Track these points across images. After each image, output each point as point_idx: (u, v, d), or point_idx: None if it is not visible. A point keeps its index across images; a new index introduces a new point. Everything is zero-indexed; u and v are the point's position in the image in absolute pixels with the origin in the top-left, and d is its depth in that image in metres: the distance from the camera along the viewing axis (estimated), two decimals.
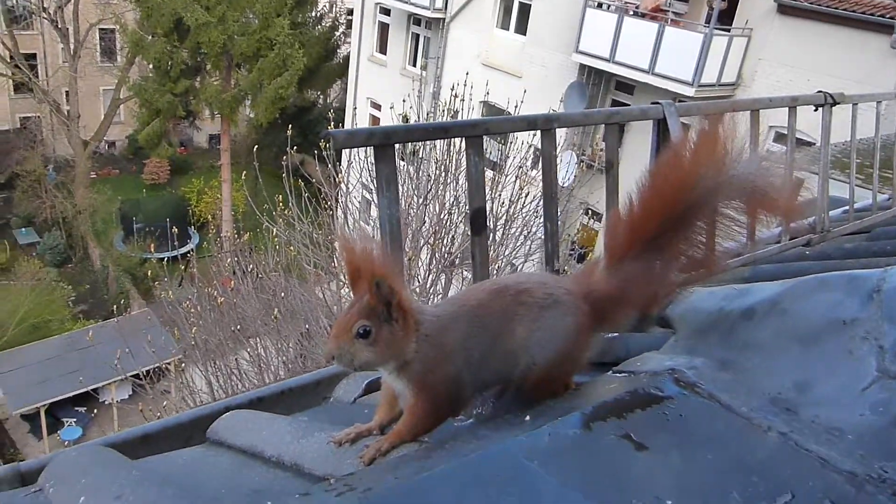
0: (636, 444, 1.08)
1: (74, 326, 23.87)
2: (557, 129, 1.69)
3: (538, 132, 1.62)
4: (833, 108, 2.80)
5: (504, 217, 11.15)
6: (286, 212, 11.11)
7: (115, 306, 20.23)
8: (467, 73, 13.48)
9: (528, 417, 1.16)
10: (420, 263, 10.92)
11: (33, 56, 32.38)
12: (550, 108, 13.64)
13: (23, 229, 29.91)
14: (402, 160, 11.90)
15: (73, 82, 29.64)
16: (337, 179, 11.52)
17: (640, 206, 1.48)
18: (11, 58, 29.25)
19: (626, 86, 17.57)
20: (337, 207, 11.62)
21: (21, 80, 30.03)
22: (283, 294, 10.78)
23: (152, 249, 17.08)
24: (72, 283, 27.19)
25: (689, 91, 14.98)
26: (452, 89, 12.87)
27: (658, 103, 1.78)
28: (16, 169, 29.54)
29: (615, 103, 18.05)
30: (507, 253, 11.10)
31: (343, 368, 1.36)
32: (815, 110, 2.79)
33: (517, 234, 11.43)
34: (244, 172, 13.63)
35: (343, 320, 1.31)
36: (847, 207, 3.30)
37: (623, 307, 1.50)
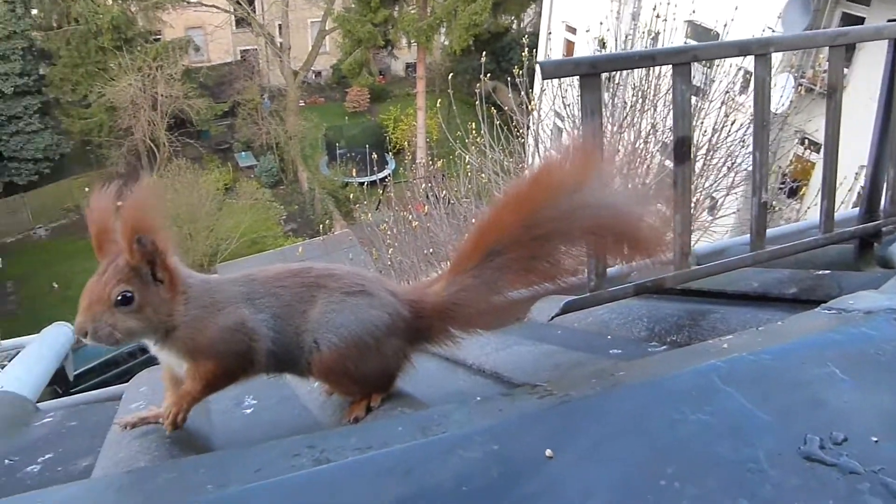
0: (841, 380, 1.07)
1: (286, 242, 26.28)
2: (774, 53, 1.60)
3: (751, 57, 1.55)
4: None
5: (706, 146, 10.48)
6: (478, 139, 11.23)
7: (320, 226, 21.90)
8: None
9: (725, 345, 1.17)
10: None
11: None
12: (766, 27, 12.43)
13: (243, 153, 32.94)
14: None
15: (285, 15, 31.59)
16: (529, 107, 11.45)
17: (491, 218, 1.32)
18: None
19: None
20: (528, 135, 11.59)
21: (241, 15, 32.49)
22: (473, 220, 11.02)
23: (353, 173, 18.19)
24: (283, 204, 29.82)
25: None
26: (654, 9, 12.13)
27: None
28: (237, 98, 32.30)
29: (847, 18, 15.89)
30: (706, 185, 10.52)
31: (98, 345, 1.16)
32: None
33: (720, 164, 10.74)
34: (438, 100, 13.92)
35: (96, 287, 1.12)
36: None
37: (450, 323, 1.34)
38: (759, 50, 1.53)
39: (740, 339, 1.19)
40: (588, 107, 1.37)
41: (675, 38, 13.27)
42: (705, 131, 10.78)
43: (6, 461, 1.44)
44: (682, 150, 1.49)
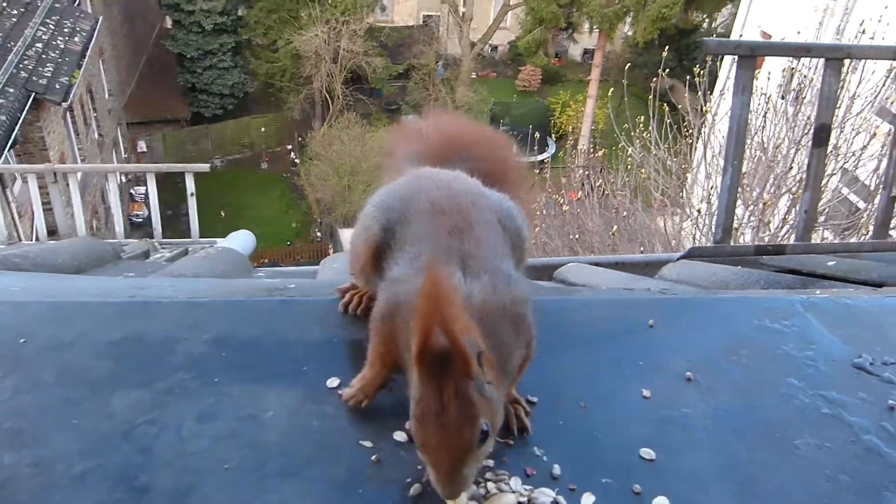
0: None
1: None
2: None
3: None
4: None
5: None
6: (645, 134, 11.07)
7: None
8: (886, 7, 11.63)
9: (818, 291, 1.41)
10: (776, 211, 10.22)
11: None
12: None
13: (410, 115, 34.12)
14: (783, 98, 11.00)
15: None
16: (704, 109, 11.15)
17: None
18: None
19: None
20: (698, 139, 11.25)
21: None
22: (625, 214, 10.93)
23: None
24: None
25: None
26: (861, 24, 11.30)
27: None
28: (413, 61, 33.39)
29: None
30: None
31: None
32: None
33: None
34: (611, 90, 13.85)
35: (449, 437, 0.87)
36: None
37: None
38: None
39: (831, 290, 1.42)
40: (741, 84, 1.62)
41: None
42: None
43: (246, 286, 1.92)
44: (821, 135, 1.69)
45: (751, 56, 1.60)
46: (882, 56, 1.75)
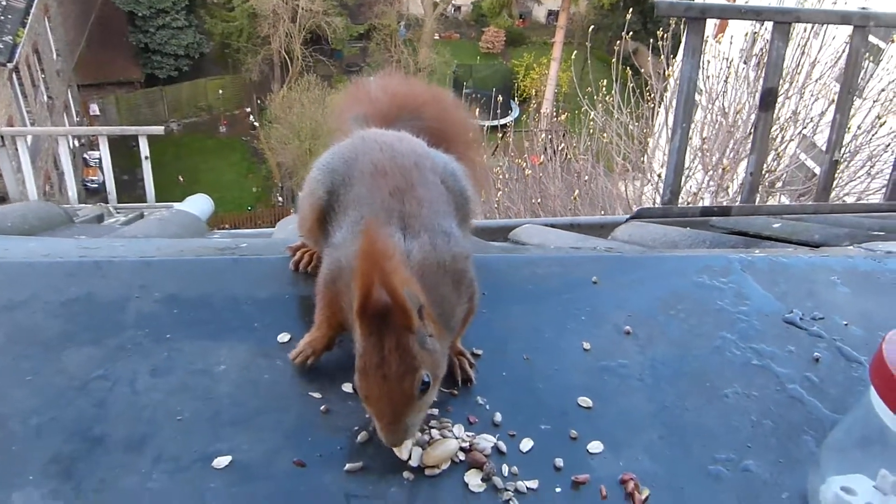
0: (840, 287, 1.36)
1: None
2: (873, 29, 1.80)
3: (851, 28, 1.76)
4: None
5: (848, 148, 9.73)
6: (607, 98, 11.07)
7: None
8: None
9: (757, 251, 1.46)
10: (735, 176, 10.36)
11: None
12: None
13: (372, 78, 33.63)
14: (745, 62, 11.10)
15: None
16: (666, 73, 11.16)
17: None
18: None
19: None
20: (660, 103, 11.28)
21: None
22: (586, 178, 10.96)
23: (476, 114, 18.41)
24: None
25: None
26: None
27: None
28: (374, 21, 32.84)
29: None
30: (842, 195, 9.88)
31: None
32: None
33: (857, 168, 10.06)
34: (574, 53, 13.80)
35: (390, 389, 0.90)
36: None
37: None
38: (860, 22, 1.74)
39: (769, 250, 1.49)
40: (691, 46, 1.65)
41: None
42: (848, 128, 9.96)
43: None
44: (767, 99, 1.75)
45: (701, 18, 1.63)
46: (829, 20, 1.81)
